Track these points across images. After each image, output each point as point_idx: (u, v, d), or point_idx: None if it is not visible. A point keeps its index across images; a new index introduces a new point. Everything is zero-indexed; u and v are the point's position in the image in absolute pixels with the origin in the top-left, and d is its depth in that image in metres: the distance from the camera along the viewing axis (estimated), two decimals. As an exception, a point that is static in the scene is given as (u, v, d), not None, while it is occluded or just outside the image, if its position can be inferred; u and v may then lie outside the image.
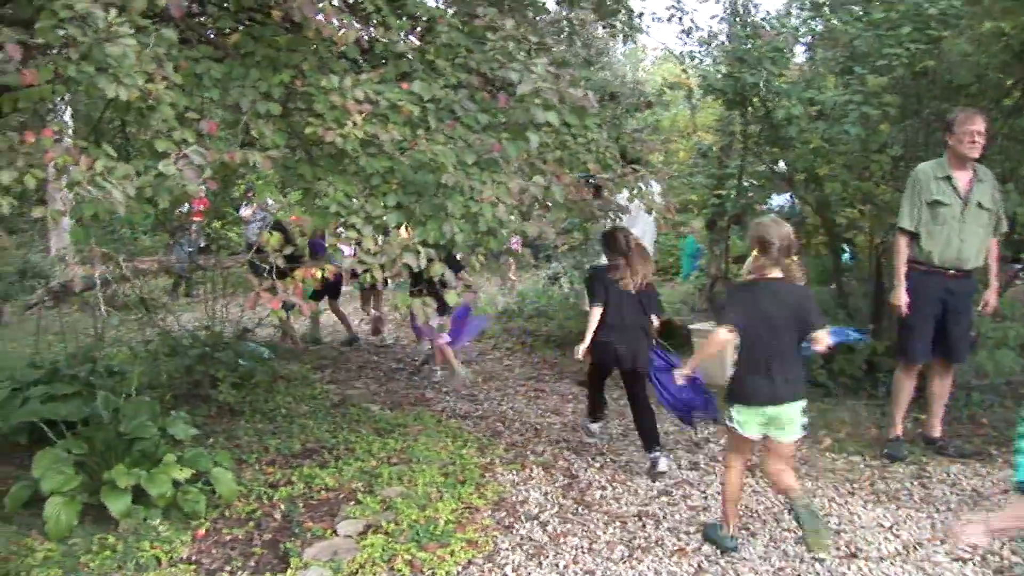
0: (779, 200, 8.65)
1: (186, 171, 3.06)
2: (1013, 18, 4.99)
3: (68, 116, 9.35)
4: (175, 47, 3.65)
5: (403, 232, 3.81)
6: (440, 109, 4.07)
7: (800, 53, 7.95)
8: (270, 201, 9.21)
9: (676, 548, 4.48)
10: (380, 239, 3.64)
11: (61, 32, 3.02)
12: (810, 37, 7.78)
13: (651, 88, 9.92)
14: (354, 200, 3.81)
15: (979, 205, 5.44)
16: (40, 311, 8.50)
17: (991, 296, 5.67)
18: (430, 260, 3.67)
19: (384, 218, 3.80)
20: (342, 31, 3.80)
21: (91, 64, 2.94)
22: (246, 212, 9.70)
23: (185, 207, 8.61)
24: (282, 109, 4.06)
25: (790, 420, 4.20)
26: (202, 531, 4.70)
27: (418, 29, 4.66)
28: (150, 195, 3.22)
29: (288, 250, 3.82)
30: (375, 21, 4.56)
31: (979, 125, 5.28)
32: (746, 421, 4.24)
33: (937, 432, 5.86)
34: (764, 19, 7.53)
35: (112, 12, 2.87)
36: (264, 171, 3.83)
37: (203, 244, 9.55)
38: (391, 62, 4.38)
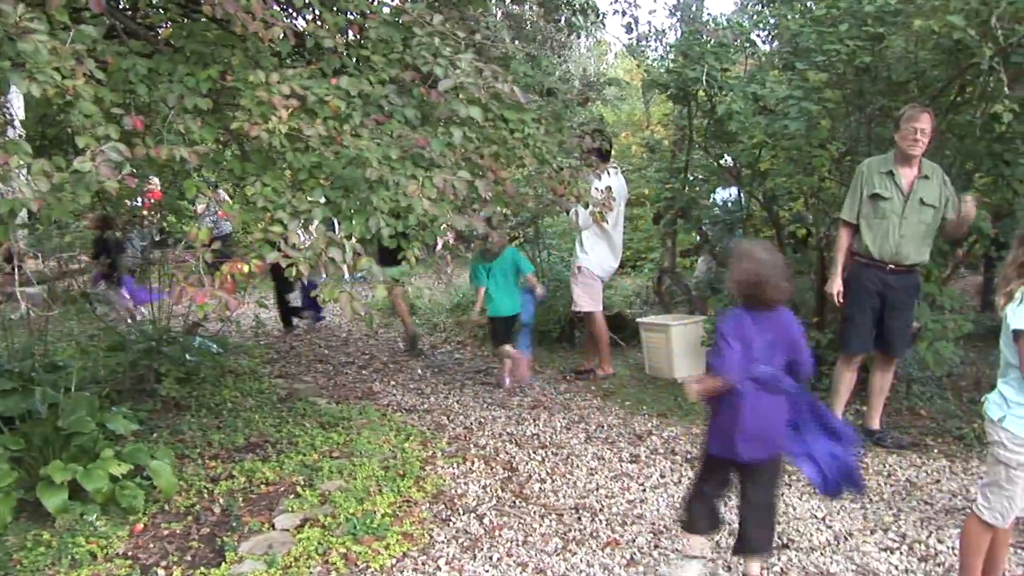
0: (724, 194, 8.72)
1: (102, 168, 3.05)
2: (940, 18, 5.06)
3: (20, 109, 9.24)
4: (100, 42, 3.64)
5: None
6: (368, 104, 4.08)
7: (760, 45, 7.99)
8: (224, 195, 9.16)
9: (609, 540, 4.52)
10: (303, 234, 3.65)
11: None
12: (760, 32, 7.85)
13: (604, 82, 9.98)
14: (282, 195, 3.81)
15: (922, 201, 5.51)
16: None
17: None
18: (357, 254, 3.68)
19: (311, 212, 3.81)
20: (269, 27, 3.80)
21: (3, 59, 2.94)
22: (200, 207, 9.64)
23: (139, 201, 8.54)
24: (212, 104, 4.06)
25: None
26: (140, 526, 4.70)
27: (354, 24, 4.65)
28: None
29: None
30: (310, 16, 4.56)
31: (921, 123, 5.35)
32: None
33: (876, 424, 5.95)
34: (709, 16, 7.60)
35: (21, 7, 2.86)
36: (192, 166, 3.82)
37: (156, 238, 9.47)
38: (325, 57, 4.38)
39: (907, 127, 5.39)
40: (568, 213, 7.59)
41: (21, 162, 3.06)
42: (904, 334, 5.77)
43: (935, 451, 5.76)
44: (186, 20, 4.80)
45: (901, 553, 4.33)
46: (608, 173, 7.52)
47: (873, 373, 5.94)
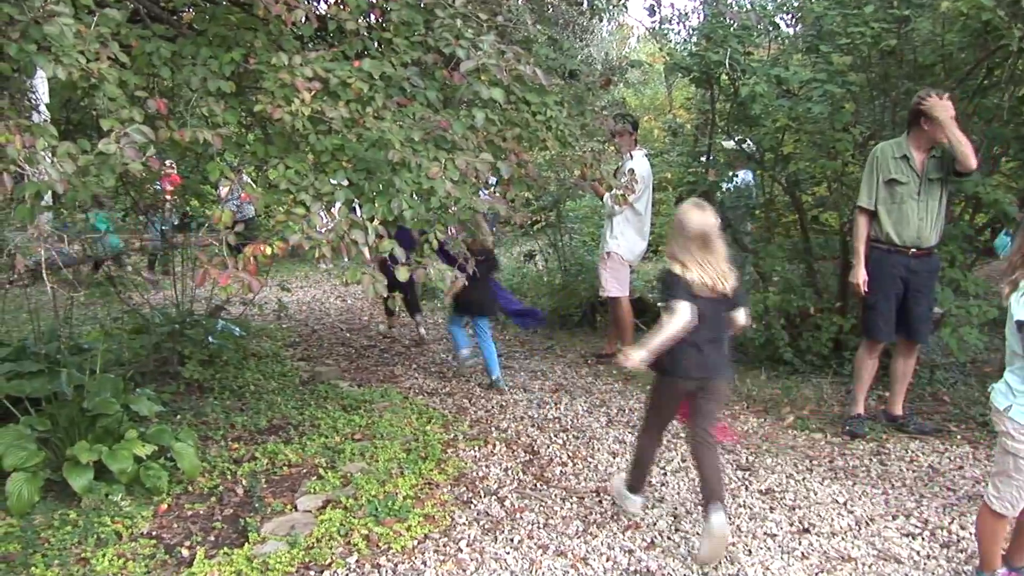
0: (744, 177, 8.66)
1: (127, 150, 3.07)
2: (969, -1, 5.03)
3: (45, 93, 9.31)
4: (123, 26, 3.66)
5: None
6: (390, 86, 4.08)
7: (783, 28, 7.92)
8: (246, 178, 9.17)
9: (630, 523, 4.53)
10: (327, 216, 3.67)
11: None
12: (786, 15, 7.79)
13: (627, 64, 9.93)
14: (305, 178, 3.83)
15: (930, 179, 5.48)
16: (7, 289, 8.53)
17: None
18: (379, 236, 3.70)
19: (333, 195, 3.83)
20: (292, 10, 3.81)
21: (29, 43, 2.96)
22: (223, 191, 9.67)
23: (158, 185, 8.58)
24: (235, 87, 4.07)
25: None
26: (164, 506, 4.75)
27: (376, 7, 4.65)
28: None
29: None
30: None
31: (952, 110, 5.29)
32: None
33: (899, 410, 5.91)
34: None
35: (47, -10, 2.89)
36: (216, 149, 3.84)
37: (176, 223, 9.51)
38: (347, 40, 4.39)
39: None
40: (602, 199, 7.57)
41: (47, 145, 3.08)
42: (927, 319, 5.73)
43: (958, 437, 5.73)
44: (209, 3, 4.81)
45: (923, 539, 4.32)
46: (631, 156, 7.50)
47: (896, 359, 5.90)
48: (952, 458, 5.39)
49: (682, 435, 5.83)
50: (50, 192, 3.08)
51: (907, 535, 4.36)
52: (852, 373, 6.10)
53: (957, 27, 5.79)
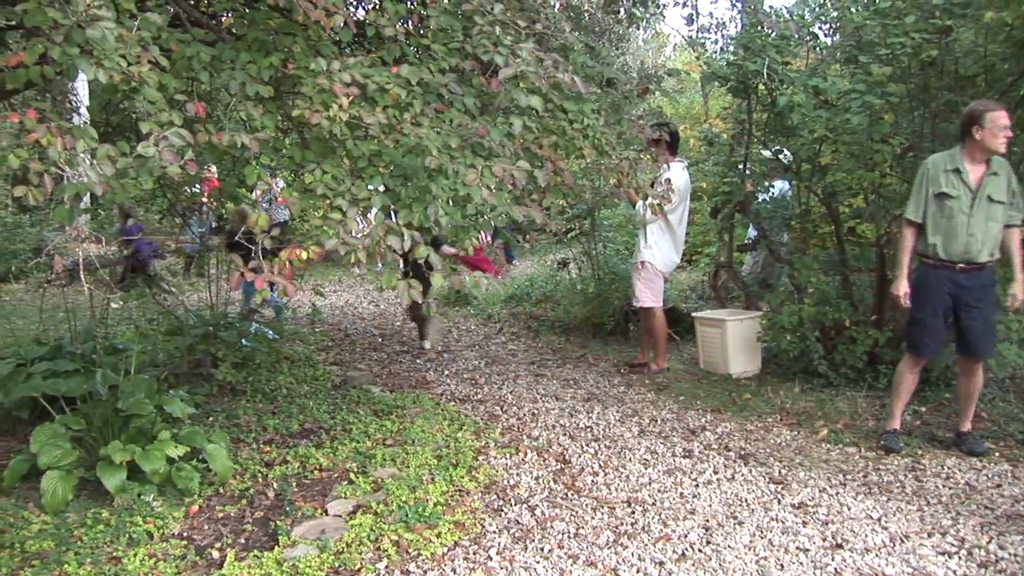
0: (781, 187, 8.62)
1: (165, 153, 3.10)
2: (1015, 8, 4.95)
3: (85, 96, 9.44)
4: (164, 30, 3.69)
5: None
6: (428, 93, 4.09)
7: (822, 38, 7.89)
8: (280, 183, 9.25)
9: (662, 535, 4.49)
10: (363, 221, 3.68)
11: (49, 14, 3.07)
12: (824, 25, 7.75)
13: (664, 72, 9.93)
14: (341, 183, 3.84)
15: (990, 198, 5.36)
16: (45, 289, 8.67)
17: (1018, 288, 5.48)
18: (414, 243, 3.70)
19: (370, 200, 3.84)
20: (331, 15, 3.83)
21: (72, 46, 2.99)
22: (257, 194, 9.75)
23: (196, 188, 8.68)
24: (273, 92, 4.10)
25: None
26: (195, 507, 4.77)
27: (415, 13, 4.68)
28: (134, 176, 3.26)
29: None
30: (371, 5, 4.58)
31: (1007, 120, 5.22)
32: None
33: (967, 426, 5.73)
34: (771, 8, 7.52)
35: (90, -6, 2.92)
36: (253, 153, 3.86)
37: (213, 225, 9.61)
38: (386, 46, 4.41)
39: (999, 126, 5.20)
40: (635, 207, 7.56)
41: (86, 147, 3.11)
42: (986, 332, 5.53)
43: (996, 455, 5.62)
44: (248, 9, 4.85)
45: (960, 558, 4.23)
46: (668, 166, 7.47)
47: (960, 379, 5.70)
48: (990, 476, 5.29)
49: (714, 447, 5.80)
50: (88, 194, 3.12)
51: (943, 553, 4.28)
52: (891, 387, 6.00)
53: (1000, 38, 5.72)
